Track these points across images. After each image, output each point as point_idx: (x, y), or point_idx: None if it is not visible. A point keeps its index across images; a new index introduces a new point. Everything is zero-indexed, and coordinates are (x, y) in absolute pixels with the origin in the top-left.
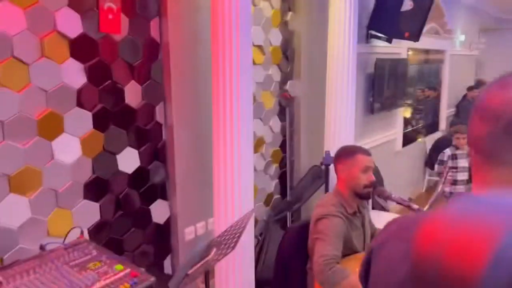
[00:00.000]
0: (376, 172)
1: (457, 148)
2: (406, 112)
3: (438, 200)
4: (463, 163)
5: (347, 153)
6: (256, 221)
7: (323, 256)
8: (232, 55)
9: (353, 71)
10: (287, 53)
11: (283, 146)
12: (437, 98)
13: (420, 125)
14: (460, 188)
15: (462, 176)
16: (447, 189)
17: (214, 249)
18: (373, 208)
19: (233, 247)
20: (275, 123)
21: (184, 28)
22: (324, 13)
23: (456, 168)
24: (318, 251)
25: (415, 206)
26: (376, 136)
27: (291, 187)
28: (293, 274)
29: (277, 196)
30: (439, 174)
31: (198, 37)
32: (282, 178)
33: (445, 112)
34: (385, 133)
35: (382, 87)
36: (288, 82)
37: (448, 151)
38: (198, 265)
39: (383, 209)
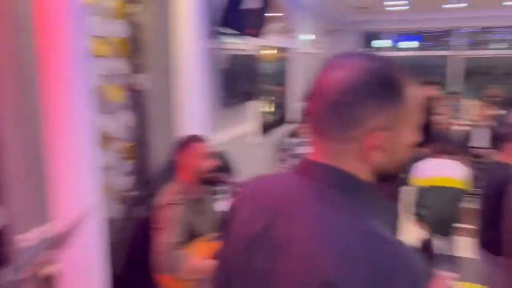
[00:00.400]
0: (229, 161)
1: (296, 136)
2: (260, 106)
3: None
4: (301, 150)
5: (185, 142)
6: (112, 220)
7: (164, 244)
8: (62, 46)
9: (202, 65)
10: (136, 46)
11: (138, 141)
12: (287, 93)
13: (274, 118)
14: None
15: None
16: None
17: (47, 251)
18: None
19: (68, 248)
20: (128, 118)
21: None
22: (172, 6)
23: (296, 155)
24: (159, 240)
25: None
26: (231, 130)
27: (148, 182)
28: (142, 267)
29: (134, 192)
30: (282, 160)
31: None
32: (139, 174)
33: (294, 105)
34: (240, 127)
35: (235, 82)
36: (138, 75)
37: (288, 140)
38: (27, 270)
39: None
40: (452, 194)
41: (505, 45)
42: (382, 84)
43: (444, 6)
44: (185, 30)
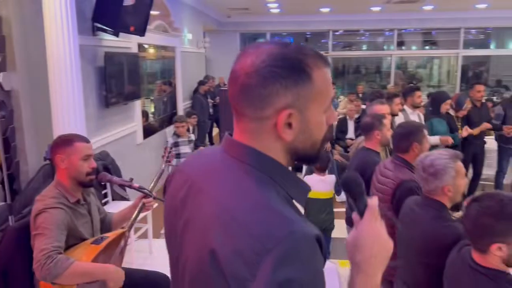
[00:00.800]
0: (113, 163)
1: (178, 136)
2: (145, 105)
3: (161, 178)
4: (184, 149)
5: (65, 142)
6: None
7: (43, 251)
8: None
9: (77, 64)
10: None
11: (4, 146)
12: (174, 92)
13: (160, 117)
14: None
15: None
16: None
17: None
18: (113, 199)
19: None
20: None
21: None
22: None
23: (179, 154)
24: (37, 247)
25: (136, 185)
26: (114, 130)
27: (18, 191)
28: (16, 277)
29: (1, 203)
30: (162, 156)
31: None
32: (9, 182)
33: (182, 104)
34: (124, 127)
35: (116, 81)
36: (1, 74)
37: (171, 140)
38: None
39: (124, 198)
40: (321, 204)
41: (371, 46)
42: (286, 66)
43: (317, 10)
44: (58, 25)
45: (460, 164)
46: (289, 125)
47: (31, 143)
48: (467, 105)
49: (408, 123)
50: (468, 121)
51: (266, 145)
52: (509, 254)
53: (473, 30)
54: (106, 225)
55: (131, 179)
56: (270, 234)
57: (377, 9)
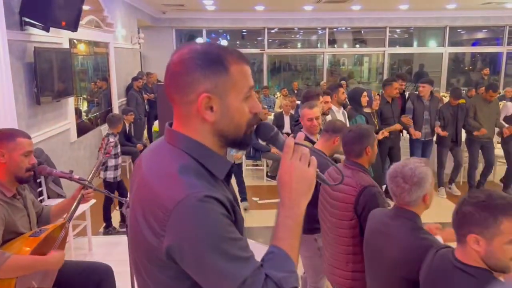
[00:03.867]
0: (48, 160)
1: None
2: (78, 102)
3: (98, 170)
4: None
5: (7, 136)
6: None
7: None
8: None
9: (6, 59)
10: None
11: None
12: (109, 89)
13: (95, 114)
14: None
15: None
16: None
17: None
18: (48, 197)
19: None
20: None
21: None
22: None
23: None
24: None
25: (76, 177)
26: (47, 128)
27: None
28: None
29: None
30: (100, 148)
31: None
32: None
33: (117, 101)
34: (56, 125)
35: (47, 78)
36: None
37: (108, 138)
38: None
39: (60, 196)
40: None
41: (305, 44)
42: (206, 59)
43: (252, 7)
44: None
45: None
46: (211, 108)
47: None
48: (376, 99)
49: (358, 127)
50: (381, 116)
51: (194, 128)
52: (486, 251)
53: (398, 30)
54: (44, 218)
55: (71, 171)
56: (171, 197)
57: (309, 8)
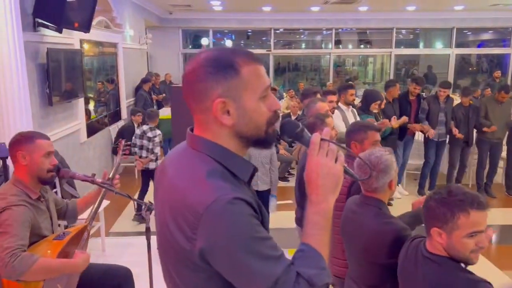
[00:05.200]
0: (62, 162)
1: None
2: (88, 103)
3: (118, 171)
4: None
5: (26, 139)
6: None
7: (6, 249)
8: None
9: (22, 60)
10: None
11: None
12: (117, 89)
13: (103, 115)
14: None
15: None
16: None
17: None
18: (62, 198)
19: None
20: None
21: None
22: None
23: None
24: (0, 246)
25: (99, 180)
26: (58, 129)
27: None
28: None
29: None
30: (117, 149)
31: None
32: None
33: (125, 102)
34: (67, 125)
35: (59, 79)
36: None
37: (137, 131)
38: None
39: (73, 197)
40: None
41: (309, 45)
42: (216, 65)
43: (259, 8)
44: (2, 21)
45: None
46: (228, 112)
47: None
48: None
49: (360, 122)
50: (384, 115)
51: (214, 133)
52: (448, 243)
53: (403, 30)
54: (70, 213)
55: (94, 175)
56: (201, 200)
57: (316, 9)
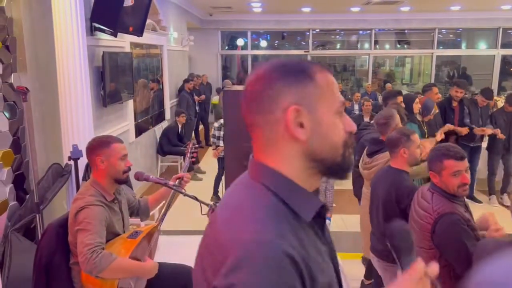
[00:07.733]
0: None
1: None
2: (135, 104)
3: (184, 170)
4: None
5: (102, 143)
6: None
7: (88, 245)
8: None
9: (85, 63)
10: (6, 43)
11: (15, 146)
12: (161, 90)
13: (148, 115)
14: None
15: None
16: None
17: None
18: None
19: None
20: (1, 122)
21: None
22: (46, 1)
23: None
24: (82, 242)
25: (171, 183)
26: (110, 129)
27: (29, 190)
28: (57, 272)
29: (13, 202)
30: (186, 152)
31: None
32: (17, 182)
33: (169, 102)
34: (118, 125)
35: (111, 80)
36: (12, 75)
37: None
38: None
39: None
40: None
41: (344, 45)
42: (287, 70)
43: (298, 9)
44: (65, 26)
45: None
46: (301, 125)
47: (40, 143)
48: (435, 110)
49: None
50: (427, 124)
51: (283, 154)
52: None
53: (444, 31)
54: (143, 210)
55: (166, 179)
56: (232, 241)
57: (356, 9)
